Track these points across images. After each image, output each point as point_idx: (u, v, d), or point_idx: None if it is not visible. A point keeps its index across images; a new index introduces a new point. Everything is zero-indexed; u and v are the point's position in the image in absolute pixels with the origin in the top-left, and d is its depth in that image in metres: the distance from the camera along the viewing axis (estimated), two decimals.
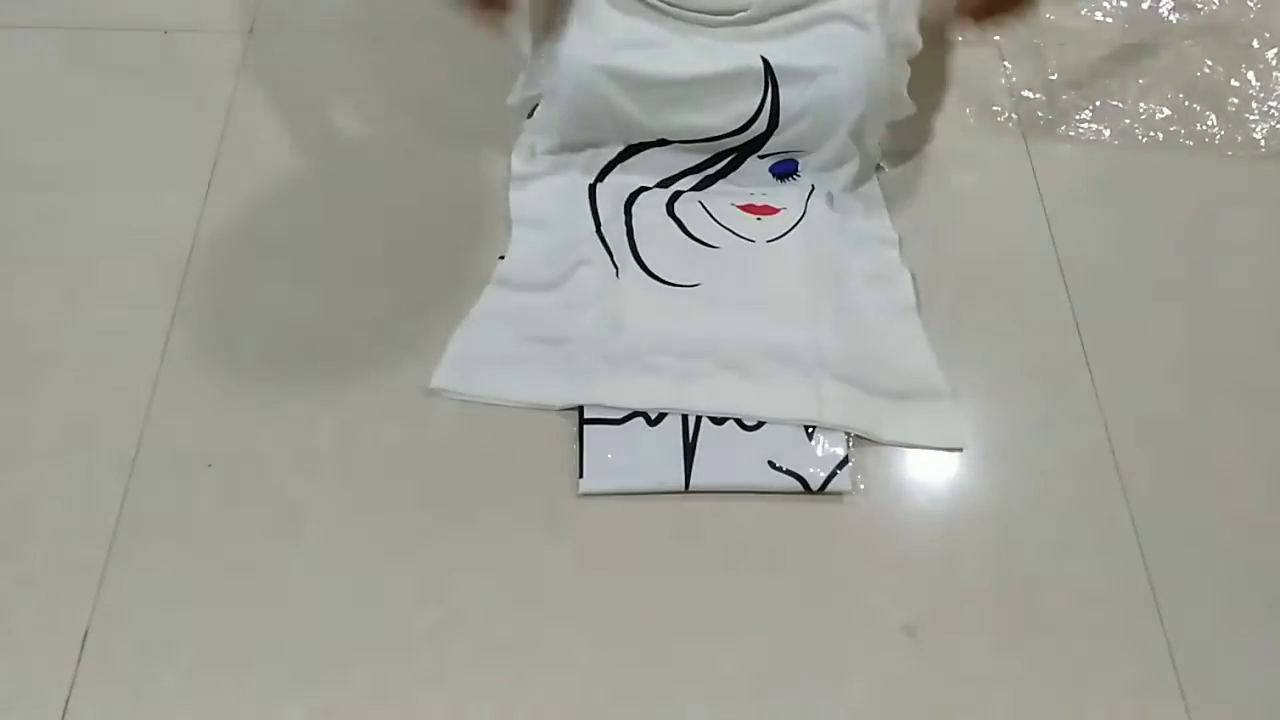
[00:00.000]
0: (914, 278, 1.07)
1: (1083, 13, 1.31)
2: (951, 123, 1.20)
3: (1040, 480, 0.96)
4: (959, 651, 0.87)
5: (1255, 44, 1.28)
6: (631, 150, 1.14)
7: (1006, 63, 1.27)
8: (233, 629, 0.86)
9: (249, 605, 0.88)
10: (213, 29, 1.27)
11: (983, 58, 1.27)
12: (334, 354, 1.02)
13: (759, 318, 1.02)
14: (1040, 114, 1.22)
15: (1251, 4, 1.32)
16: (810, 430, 0.96)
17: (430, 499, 0.93)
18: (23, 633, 0.86)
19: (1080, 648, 0.88)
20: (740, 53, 1.09)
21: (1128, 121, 1.21)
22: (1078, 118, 1.22)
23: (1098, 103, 1.23)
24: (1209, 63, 1.26)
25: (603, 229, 1.09)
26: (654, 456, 0.95)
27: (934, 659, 0.87)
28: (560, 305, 1.03)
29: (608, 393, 0.97)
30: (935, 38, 0.98)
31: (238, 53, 1.24)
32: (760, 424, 0.97)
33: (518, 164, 1.14)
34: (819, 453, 0.95)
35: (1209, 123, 1.21)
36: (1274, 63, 1.27)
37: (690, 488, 0.94)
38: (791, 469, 0.94)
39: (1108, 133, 1.21)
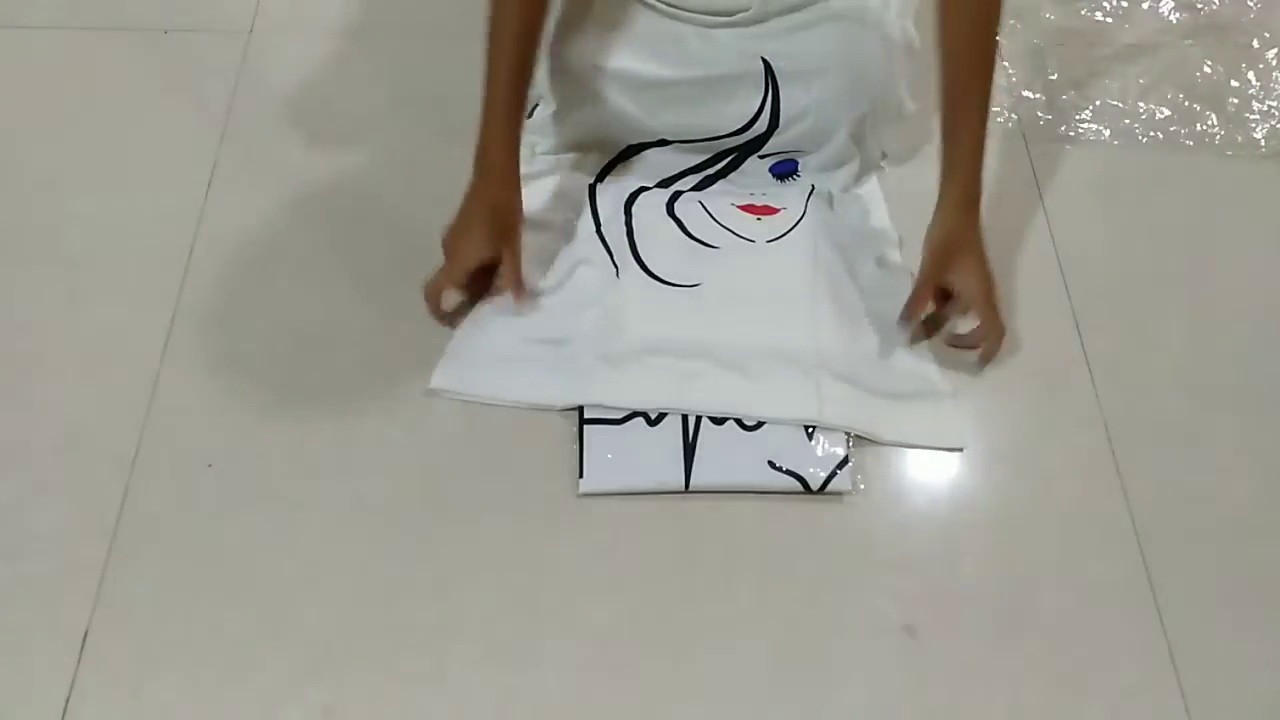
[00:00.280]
0: (915, 278, 1.06)
1: (1083, 13, 1.31)
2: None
3: (1040, 480, 0.96)
4: (959, 651, 0.87)
5: (1255, 44, 1.28)
6: (631, 150, 1.14)
7: (1006, 63, 1.27)
8: (233, 629, 0.86)
9: (249, 605, 0.88)
10: (213, 29, 1.27)
11: None
12: (334, 354, 1.02)
13: (759, 318, 1.02)
14: (1040, 114, 1.22)
15: (1251, 4, 1.32)
16: (810, 430, 0.96)
17: (430, 499, 0.93)
18: (23, 633, 0.86)
19: (1080, 648, 0.88)
20: (741, 54, 1.09)
21: (1128, 121, 1.21)
22: (1078, 118, 1.22)
23: (1098, 103, 1.23)
24: (1209, 63, 1.26)
25: (602, 228, 1.09)
26: (654, 456, 0.95)
27: (934, 659, 0.87)
28: (560, 305, 1.04)
29: (608, 393, 0.97)
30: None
31: (238, 53, 1.24)
32: (760, 424, 0.97)
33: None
34: (819, 453, 0.95)
35: (1209, 123, 1.21)
36: (1274, 62, 1.27)
37: (690, 488, 0.94)
38: (791, 469, 0.94)
39: (1108, 133, 1.21)
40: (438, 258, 1.07)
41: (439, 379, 0.98)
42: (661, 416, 0.97)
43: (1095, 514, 0.95)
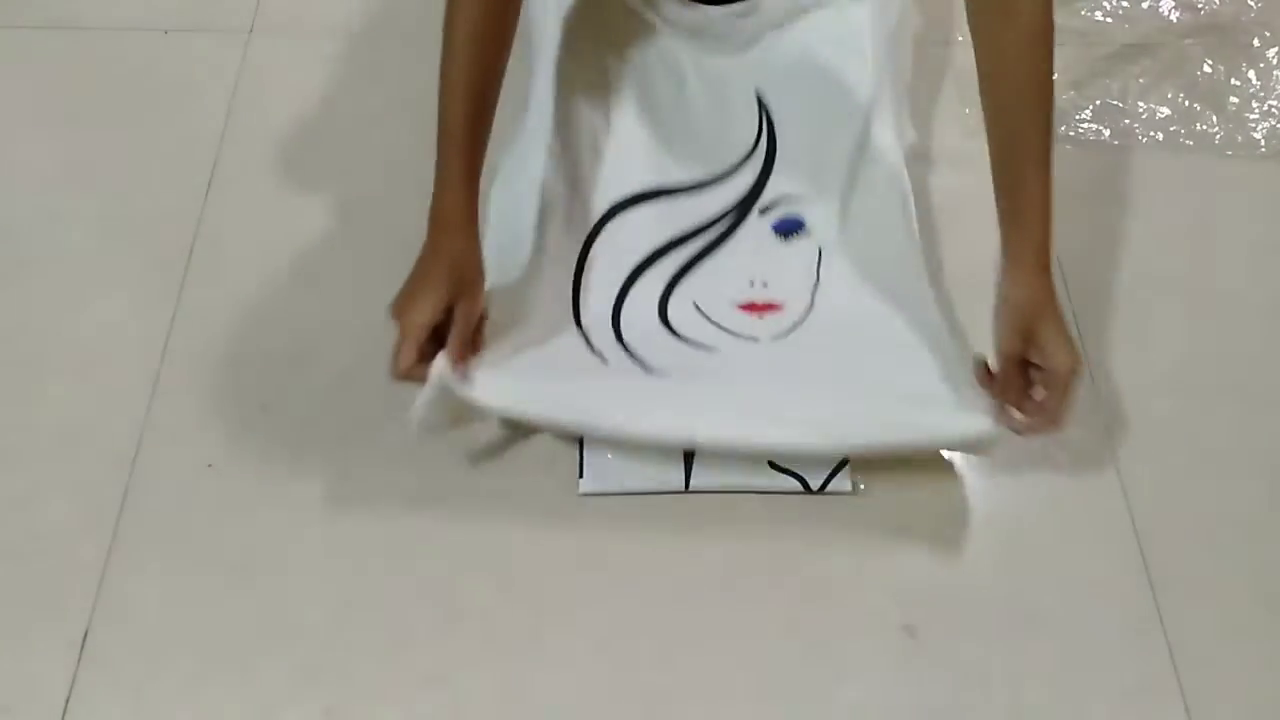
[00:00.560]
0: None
1: (1083, 13, 1.31)
2: (952, 123, 1.20)
3: (1040, 480, 0.96)
4: (959, 651, 0.87)
5: (1255, 43, 1.28)
6: (618, 210, 1.05)
7: None
8: (233, 629, 0.86)
9: (249, 605, 0.88)
10: (213, 29, 1.27)
11: None
12: (333, 354, 1.01)
13: (774, 406, 0.91)
14: None
15: (1252, 3, 1.32)
16: None
17: (430, 498, 0.93)
18: (23, 633, 0.86)
19: (1080, 648, 0.88)
20: (736, 85, 1.08)
21: (1127, 121, 1.21)
22: (1078, 117, 1.22)
23: (1098, 102, 1.23)
24: (1209, 62, 1.26)
25: (588, 333, 0.98)
26: (654, 456, 0.94)
27: (934, 659, 0.87)
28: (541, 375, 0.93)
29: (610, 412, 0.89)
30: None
31: (238, 53, 1.24)
32: None
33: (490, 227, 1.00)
34: None
35: (1209, 123, 1.21)
36: (1274, 61, 1.27)
37: (690, 488, 0.93)
38: (791, 469, 0.94)
39: (1108, 133, 1.21)
40: None
41: (481, 390, 0.87)
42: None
43: (1095, 514, 0.95)
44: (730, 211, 1.05)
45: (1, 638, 0.86)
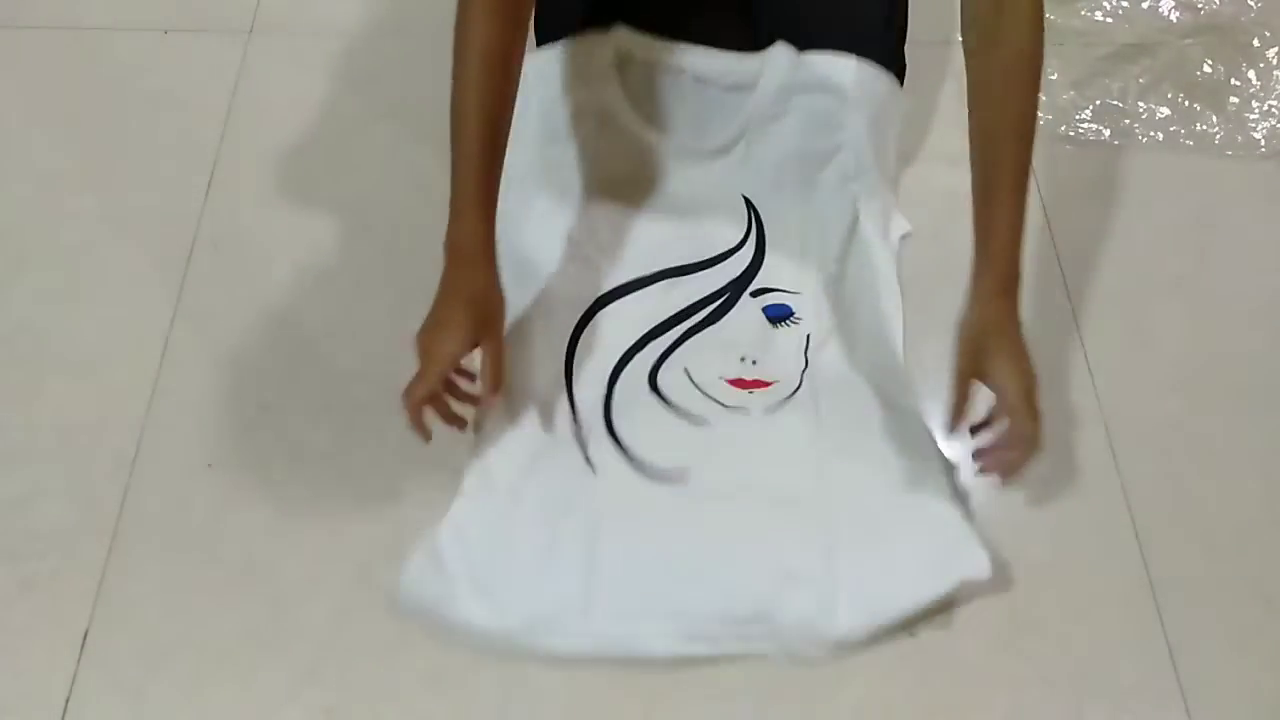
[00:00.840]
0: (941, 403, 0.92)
1: (1083, 13, 1.31)
2: (951, 123, 1.20)
3: (1040, 481, 0.96)
4: (959, 651, 0.87)
5: (1255, 43, 1.28)
6: (606, 300, 1.03)
7: None
8: (233, 629, 0.86)
9: (249, 605, 0.88)
10: (213, 29, 1.27)
11: None
12: (334, 353, 1.02)
13: (758, 522, 0.90)
14: (1040, 114, 1.21)
15: (1251, 3, 1.32)
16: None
17: (430, 498, 0.93)
18: (23, 633, 0.86)
19: (1080, 648, 0.88)
20: (723, 189, 1.09)
21: (1127, 121, 1.21)
22: (1078, 117, 1.22)
23: (1098, 102, 1.23)
24: (1209, 62, 1.26)
25: (576, 406, 0.97)
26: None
27: (934, 659, 0.87)
28: (532, 517, 0.91)
29: (584, 644, 0.85)
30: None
31: (238, 53, 1.24)
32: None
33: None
34: None
35: (1209, 123, 1.21)
36: (1274, 62, 1.27)
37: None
38: None
39: (1108, 132, 1.21)
40: (438, 257, 1.07)
41: (406, 602, 0.87)
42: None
43: (1095, 514, 0.95)
44: (722, 292, 1.04)
45: (1, 638, 0.86)
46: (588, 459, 0.94)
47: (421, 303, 1.04)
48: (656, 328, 1.01)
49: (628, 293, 1.03)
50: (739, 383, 0.99)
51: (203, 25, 1.28)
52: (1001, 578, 0.90)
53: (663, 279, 1.04)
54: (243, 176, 1.14)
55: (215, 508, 0.92)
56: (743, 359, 1.00)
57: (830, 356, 1.00)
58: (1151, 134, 1.20)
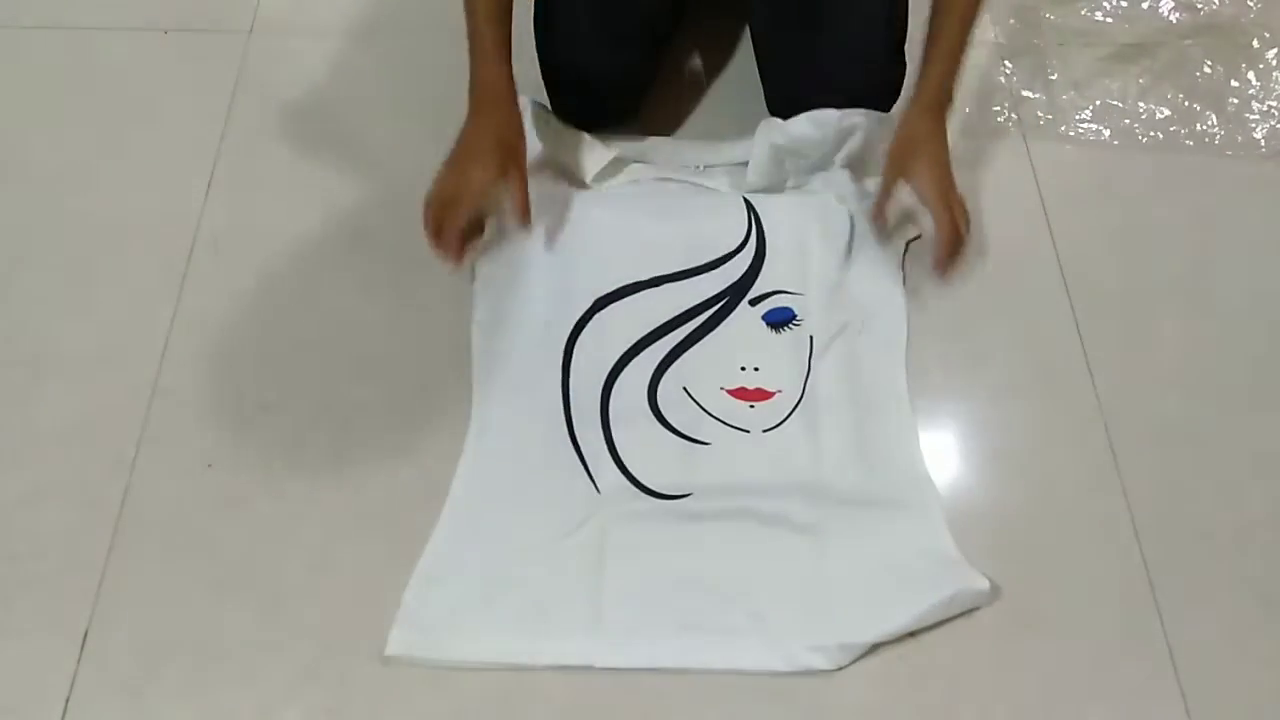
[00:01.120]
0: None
1: (1083, 13, 1.31)
2: (951, 123, 1.20)
3: (1040, 480, 0.96)
4: (959, 651, 0.87)
5: (1255, 44, 1.28)
6: (605, 302, 1.02)
7: (1006, 63, 1.27)
8: (233, 629, 0.86)
9: (249, 605, 0.88)
10: (213, 29, 1.27)
11: (983, 58, 1.27)
12: (334, 353, 1.02)
13: (758, 541, 0.90)
14: (1040, 114, 1.22)
15: (1251, 4, 1.32)
16: None
17: (431, 497, 0.93)
18: (23, 633, 0.86)
19: (1080, 648, 0.88)
20: (722, 191, 1.11)
21: (1128, 121, 1.21)
22: (1078, 118, 1.22)
23: (1098, 103, 1.23)
24: (1209, 63, 1.26)
25: (576, 429, 0.96)
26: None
27: (934, 660, 0.87)
28: (533, 535, 0.91)
29: (593, 652, 0.85)
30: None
31: (238, 53, 1.24)
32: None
33: (478, 329, 1.02)
34: None
35: (1209, 123, 1.21)
36: (1274, 62, 1.27)
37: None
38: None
39: (1108, 133, 1.21)
40: (436, 257, 1.07)
41: (396, 644, 0.85)
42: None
43: (1095, 514, 0.95)
44: (720, 297, 1.03)
45: (1, 638, 0.86)
46: (591, 479, 0.93)
47: (422, 298, 1.05)
48: (654, 331, 1.01)
49: (626, 295, 1.03)
50: (740, 393, 0.98)
51: (203, 25, 1.28)
52: (1001, 578, 0.90)
53: (662, 283, 1.04)
54: (243, 176, 1.14)
55: (215, 508, 0.92)
56: (743, 368, 0.99)
57: (832, 365, 1.00)
58: (1151, 134, 1.20)
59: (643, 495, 0.92)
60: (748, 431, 0.96)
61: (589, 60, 1.09)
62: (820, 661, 0.85)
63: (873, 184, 1.11)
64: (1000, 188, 1.16)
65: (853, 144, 1.08)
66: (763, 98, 1.15)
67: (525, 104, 1.06)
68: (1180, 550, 0.92)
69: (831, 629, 0.86)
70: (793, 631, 0.86)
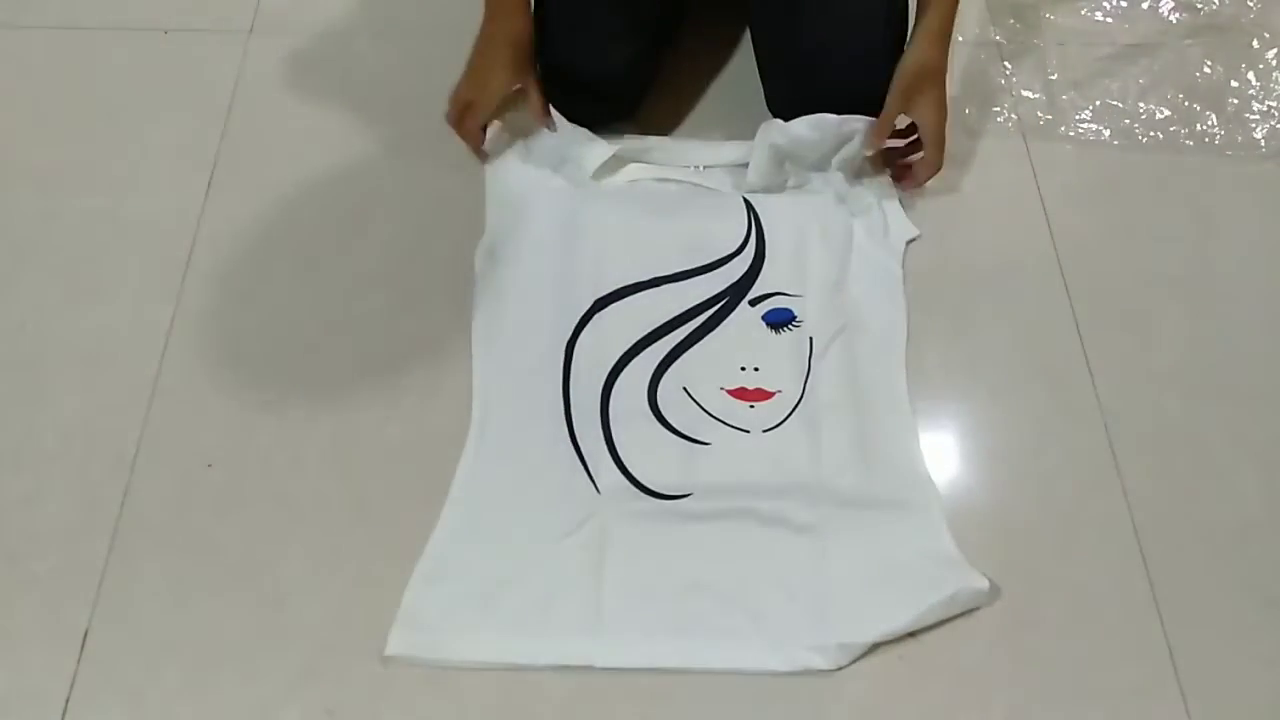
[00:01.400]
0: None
1: (1083, 13, 1.31)
2: (951, 123, 1.20)
3: (1040, 480, 0.96)
4: (959, 652, 0.87)
5: (1255, 44, 1.28)
6: (604, 303, 1.02)
7: (1006, 63, 1.27)
8: (233, 629, 0.86)
9: (249, 605, 0.88)
10: (213, 29, 1.27)
11: (983, 58, 1.27)
12: (334, 353, 1.02)
13: (758, 542, 0.90)
14: (1040, 114, 1.22)
15: (1251, 4, 1.32)
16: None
17: (431, 497, 0.93)
18: (23, 633, 0.86)
19: (1080, 648, 0.88)
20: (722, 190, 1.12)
21: (1128, 121, 1.21)
22: (1078, 118, 1.22)
23: (1098, 103, 1.23)
24: (1209, 63, 1.26)
25: (575, 429, 0.96)
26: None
27: (934, 659, 0.87)
28: (533, 534, 0.91)
29: (594, 652, 0.85)
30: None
31: (238, 53, 1.24)
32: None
33: (479, 329, 1.02)
34: None
35: (1209, 123, 1.21)
36: (1274, 63, 1.27)
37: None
38: None
39: (1108, 133, 1.21)
40: (438, 255, 1.07)
41: (395, 644, 0.85)
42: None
43: (1095, 514, 0.95)
44: (720, 298, 1.03)
45: (1, 638, 0.86)
46: (591, 479, 0.93)
47: (423, 299, 1.05)
48: (654, 331, 1.01)
49: (626, 295, 1.03)
50: (740, 393, 0.98)
51: (203, 25, 1.28)
52: (1001, 578, 0.90)
53: (662, 283, 1.04)
54: (243, 176, 1.14)
55: (215, 508, 0.92)
56: (743, 368, 0.99)
57: (832, 366, 1.00)
58: (1151, 134, 1.20)
59: (643, 495, 0.92)
60: (748, 432, 0.96)
61: (589, 60, 1.09)
62: (820, 661, 0.85)
63: (870, 186, 1.11)
64: (1000, 188, 1.16)
65: (850, 148, 1.08)
66: (763, 98, 1.15)
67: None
68: (1180, 550, 0.92)
69: (831, 629, 0.86)
70: (793, 631, 0.86)
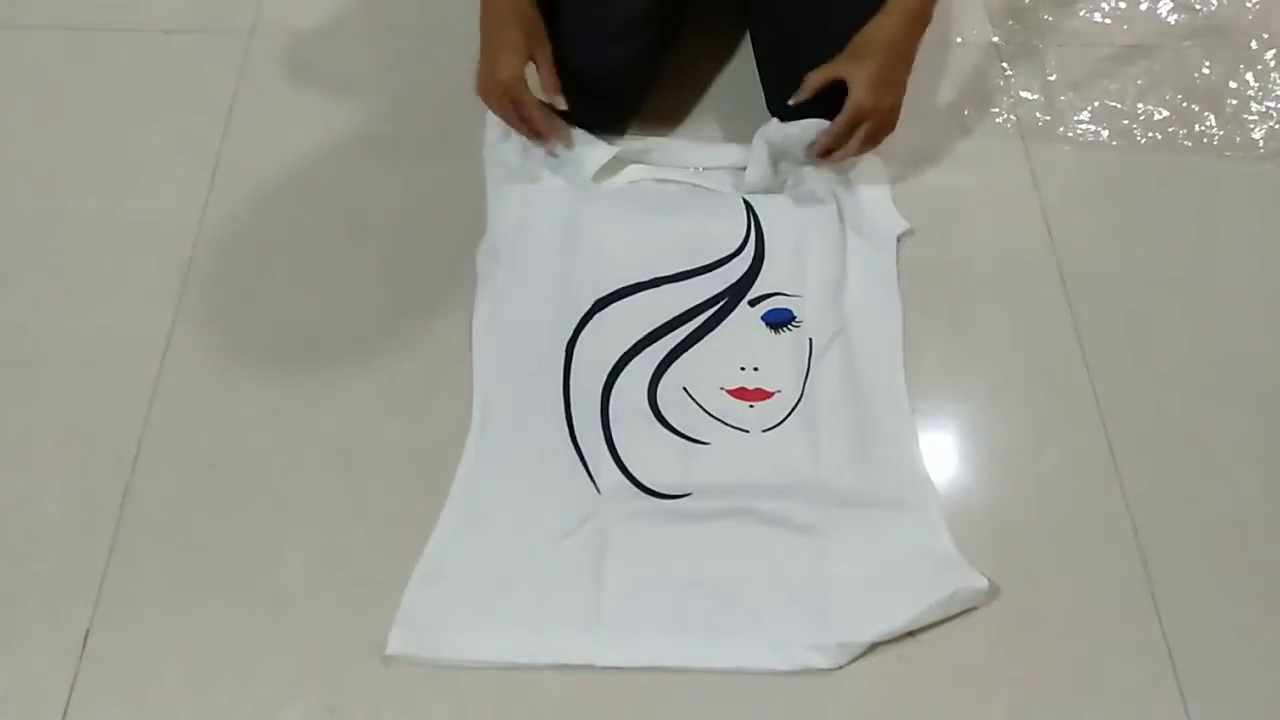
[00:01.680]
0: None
1: (1081, 14, 1.32)
2: (950, 124, 1.20)
3: (1040, 480, 0.96)
4: (959, 652, 0.87)
5: (1254, 45, 1.28)
6: (603, 304, 1.02)
7: (1005, 63, 1.27)
8: (233, 629, 0.86)
9: (249, 605, 0.88)
10: (213, 29, 1.27)
11: (981, 58, 1.27)
12: (334, 353, 1.02)
13: (759, 541, 0.90)
14: (1039, 115, 1.22)
15: (1250, 4, 1.32)
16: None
17: (431, 497, 0.93)
18: (23, 633, 0.86)
19: (1080, 648, 0.88)
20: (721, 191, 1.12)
21: (1127, 122, 1.22)
22: (1076, 119, 1.22)
23: (1097, 103, 1.23)
24: (1208, 63, 1.27)
25: (576, 428, 0.96)
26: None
27: (934, 659, 0.87)
28: (533, 534, 0.91)
29: (595, 651, 0.86)
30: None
31: (238, 53, 1.24)
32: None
33: (479, 329, 1.02)
34: None
35: (1208, 123, 1.22)
36: (1272, 63, 1.27)
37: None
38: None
39: (1107, 133, 1.21)
40: (438, 255, 1.07)
41: (397, 642, 0.85)
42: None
43: (1094, 514, 0.95)
44: (720, 298, 1.03)
45: (2, 638, 0.86)
46: (591, 479, 0.93)
47: (422, 298, 1.05)
48: (654, 332, 1.01)
49: (626, 296, 1.03)
50: (739, 393, 0.98)
51: (203, 25, 1.28)
52: (1001, 578, 0.90)
53: (662, 283, 1.04)
54: (243, 176, 1.14)
55: (215, 508, 0.92)
56: (742, 368, 0.99)
57: (831, 366, 1.00)
58: (1150, 135, 1.21)
59: (643, 495, 0.92)
60: (747, 431, 0.96)
61: (589, 60, 1.09)
62: (820, 661, 0.85)
63: (860, 182, 1.12)
64: (999, 189, 1.16)
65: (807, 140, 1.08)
66: (763, 98, 1.15)
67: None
68: (1179, 550, 0.93)
69: (831, 628, 0.86)
70: (792, 631, 0.86)
